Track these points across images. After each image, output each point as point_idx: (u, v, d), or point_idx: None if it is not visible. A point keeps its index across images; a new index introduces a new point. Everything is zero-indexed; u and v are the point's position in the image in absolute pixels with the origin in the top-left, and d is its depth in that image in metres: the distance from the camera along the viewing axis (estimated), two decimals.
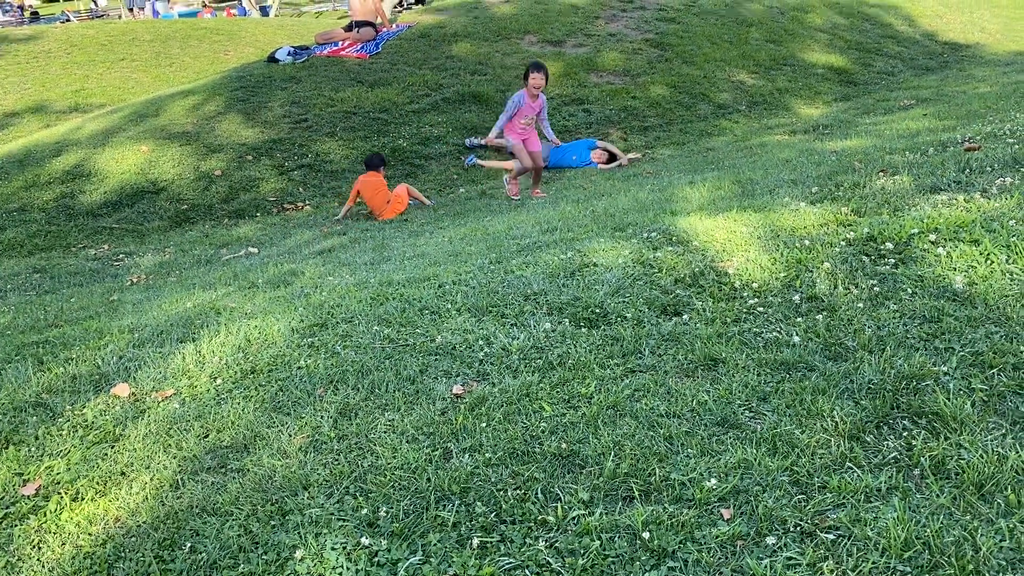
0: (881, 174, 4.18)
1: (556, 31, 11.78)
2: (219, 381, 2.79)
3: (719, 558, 1.68)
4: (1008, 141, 4.39)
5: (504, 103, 10.21)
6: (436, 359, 2.73)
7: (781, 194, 4.21)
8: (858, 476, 1.84)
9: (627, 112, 9.83)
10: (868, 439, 1.98)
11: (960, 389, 2.11)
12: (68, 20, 25.53)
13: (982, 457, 1.83)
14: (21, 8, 29.82)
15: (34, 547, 2.00)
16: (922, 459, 1.87)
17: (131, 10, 23.83)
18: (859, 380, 2.23)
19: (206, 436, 2.42)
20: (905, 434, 1.98)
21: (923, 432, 1.97)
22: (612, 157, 8.07)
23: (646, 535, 1.74)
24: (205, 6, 27.89)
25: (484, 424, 2.26)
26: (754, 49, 11.69)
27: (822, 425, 2.05)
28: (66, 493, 2.20)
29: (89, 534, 2.01)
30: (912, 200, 3.54)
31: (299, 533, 1.89)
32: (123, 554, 1.92)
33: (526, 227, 4.95)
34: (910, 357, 2.29)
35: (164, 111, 9.85)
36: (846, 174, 4.37)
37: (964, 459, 1.84)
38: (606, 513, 1.82)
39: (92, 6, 30.37)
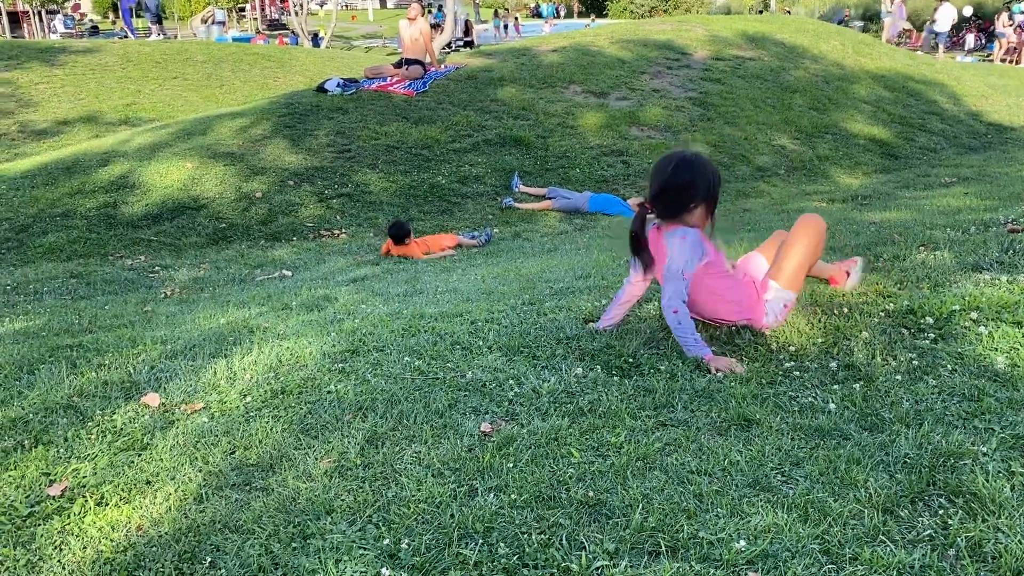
0: (922, 248, 4.15)
1: (601, 83, 11.92)
2: (249, 399, 2.80)
3: None
4: None
5: (544, 147, 10.33)
6: (465, 395, 2.73)
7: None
8: (891, 551, 1.80)
9: None
10: (902, 513, 1.94)
11: (999, 471, 2.06)
12: (126, 36, 26.26)
13: (1020, 543, 1.79)
14: (74, 19, 30.78)
15: (56, 548, 2.00)
16: (958, 539, 1.82)
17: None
18: (895, 453, 2.19)
19: (232, 452, 2.43)
20: (941, 512, 1.93)
21: (960, 512, 1.92)
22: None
23: None
24: (258, 32, 28.58)
25: (511, 464, 2.24)
26: (797, 115, 11.74)
27: (855, 495, 2.02)
28: (91, 497, 2.21)
29: (111, 540, 2.01)
30: (953, 277, 3.51)
31: (320, 558, 1.88)
32: (143, 563, 1.91)
33: (559, 272, 4.96)
34: (948, 434, 2.25)
35: (212, 130, 10.05)
36: (885, 246, 4.35)
37: (1002, 543, 1.79)
38: (631, 566, 1.79)
39: (150, 25, 31.26)
